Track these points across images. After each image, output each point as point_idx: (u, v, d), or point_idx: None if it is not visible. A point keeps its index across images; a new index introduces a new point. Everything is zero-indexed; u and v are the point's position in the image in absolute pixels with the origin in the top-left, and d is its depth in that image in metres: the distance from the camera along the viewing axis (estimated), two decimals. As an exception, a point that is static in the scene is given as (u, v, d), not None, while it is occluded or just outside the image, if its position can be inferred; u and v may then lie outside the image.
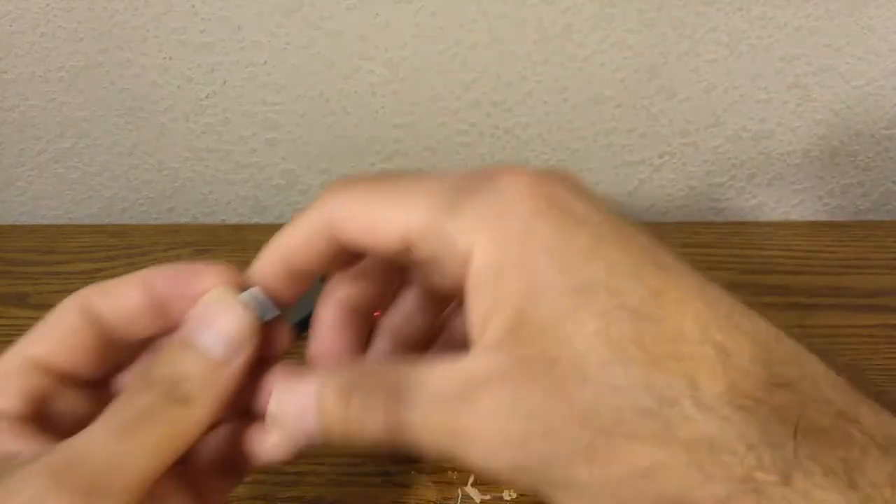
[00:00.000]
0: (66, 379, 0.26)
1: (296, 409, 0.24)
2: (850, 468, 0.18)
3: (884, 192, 0.65)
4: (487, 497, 0.41)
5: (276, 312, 0.26)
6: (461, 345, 0.24)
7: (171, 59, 0.58)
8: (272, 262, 0.26)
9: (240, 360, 0.24)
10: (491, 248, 0.22)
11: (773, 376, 0.19)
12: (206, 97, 0.60)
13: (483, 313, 0.22)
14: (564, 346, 0.20)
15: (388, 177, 0.25)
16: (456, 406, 0.21)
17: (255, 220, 0.67)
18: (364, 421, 0.23)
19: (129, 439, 0.22)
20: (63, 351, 0.25)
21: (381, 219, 0.24)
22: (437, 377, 0.22)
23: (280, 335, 0.27)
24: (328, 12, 0.56)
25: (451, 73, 0.58)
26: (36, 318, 0.55)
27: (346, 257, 0.26)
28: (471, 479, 0.42)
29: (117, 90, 0.60)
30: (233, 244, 0.58)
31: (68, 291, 0.56)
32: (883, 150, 0.63)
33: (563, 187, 0.23)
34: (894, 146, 0.63)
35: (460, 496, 0.41)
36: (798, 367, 0.20)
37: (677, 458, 0.19)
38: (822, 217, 0.66)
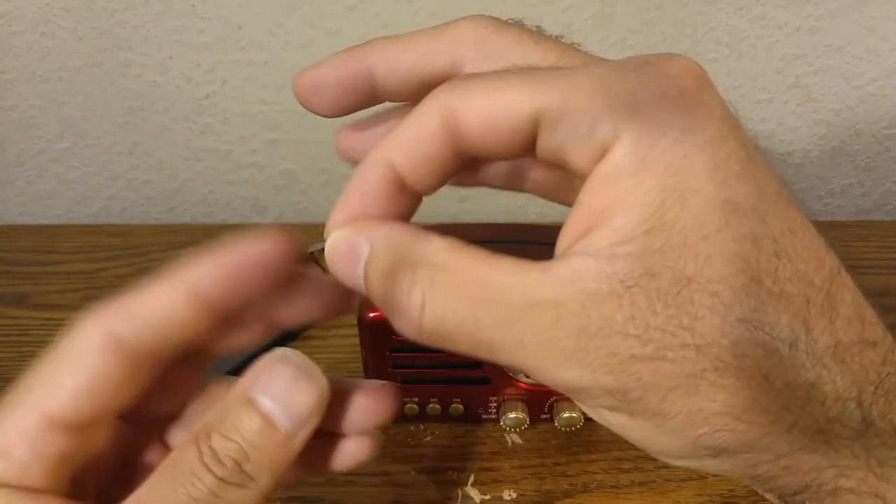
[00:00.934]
0: (94, 425, 0.22)
1: (347, 267, 0.22)
2: None
3: (884, 192, 0.65)
4: (487, 497, 0.41)
5: None
6: None
7: (170, 58, 0.58)
8: (405, 152, 0.22)
9: (308, 432, 0.22)
10: (638, 136, 0.19)
11: (865, 333, 0.20)
12: (206, 97, 0.60)
13: (610, 207, 0.19)
14: (704, 267, 0.18)
15: (510, 67, 0.22)
16: (549, 316, 0.19)
17: (256, 220, 0.67)
18: (427, 319, 0.20)
19: None
20: (86, 398, 0.21)
21: (511, 97, 0.20)
22: (517, 276, 0.19)
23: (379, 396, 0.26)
24: (328, 12, 0.56)
25: (452, 73, 0.58)
26: (35, 318, 0.55)
27: (460, 165, 0.23)
28: (471, 480, 0.41)
29: (117, 90, 0.60)
30: (233, 244, 0.58)
31: (68, 291, 0.56)
32: (883, 150, 0.63)
33: (717, 95, 0.21)
34: (895, 146, 0.63)
35: (460, 496, 0.41)
36: (881, 330, 0.21)
37: (775, 402, 0.19)
38: (823, 217, 0.66)
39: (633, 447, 0.45)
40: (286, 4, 0.55)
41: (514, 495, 0.41)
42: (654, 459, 0.42)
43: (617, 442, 0.43)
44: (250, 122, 0.61)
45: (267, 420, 0.21)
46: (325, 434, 0.25)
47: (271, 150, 0.63)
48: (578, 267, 0.19)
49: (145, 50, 0.58)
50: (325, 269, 0.24)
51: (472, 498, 0.41)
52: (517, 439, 0.44)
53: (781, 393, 0.19)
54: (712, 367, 0.19)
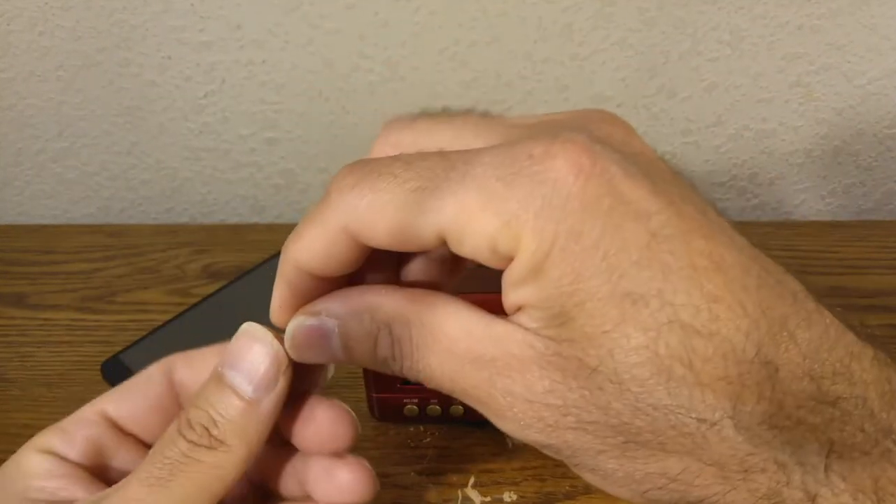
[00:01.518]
0: (133, 438, 0.28)
1: (319, 348, 0.24)
2: (882, 488, 0.19)
3: (886, 192, 0.65)
4: (488, 499, 0.41)
5: None
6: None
7: (169, 58, 0.58)
8: (295, 284, 0.24)
9: (273, 398, 0.24)
10: (535, 247, 0.19)
11: (820, 393, 0.19)
12: (205, 96, 0.60)
13: (520, 303, 0.21)
14: (606, 359, 0.19)
15: (404, 163, 0.21)
16: (488, 371, 0.21)
17: (254, 219, 0.67)
18: (374, 353, 0.23)
19: (160, 490, 0.23)
20: (140, 417, 0.27)
21: (410, 226, 0.21)
22: (466, 330, 0.21)
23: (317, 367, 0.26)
24: (327, 11, 0.56)
25: (451, 73, 0.58)
26: (33, 318, 0.55)
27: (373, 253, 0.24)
28: (471, 481, 0.41)
29: (116, 89, 0.60)
30: (232, 244, 0.58)
31: (66, 291, 0.56)
32: (885, 150, 0.62)
33: (614, 163, 0.20)
34: (896, 145, 0.62)
35: (460, 498, 0.41)
36: (848, 382, 0.19)
37: (707, 471, 0.19)
38: (825, 217, 0.66)
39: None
40: (285, 4, 0.55)
41: (515, 497, 0.41)
42: (655, 461, 0.42)
43: (618, 443, 0.43)
44: (249, 121, 0.61)
45: (230, 388, 0.24)
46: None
47: (270, 150, 0.63)
48: (510, 333, 0.21)
49: (144, 49, 0.58)
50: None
51: (472, 500, 0.40)
52: (518, 441, 0.44)
53: (716, 463, 0.19)
54: (633, 440, 0.19)
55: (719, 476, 0.19)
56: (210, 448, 0.23)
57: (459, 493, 0.41)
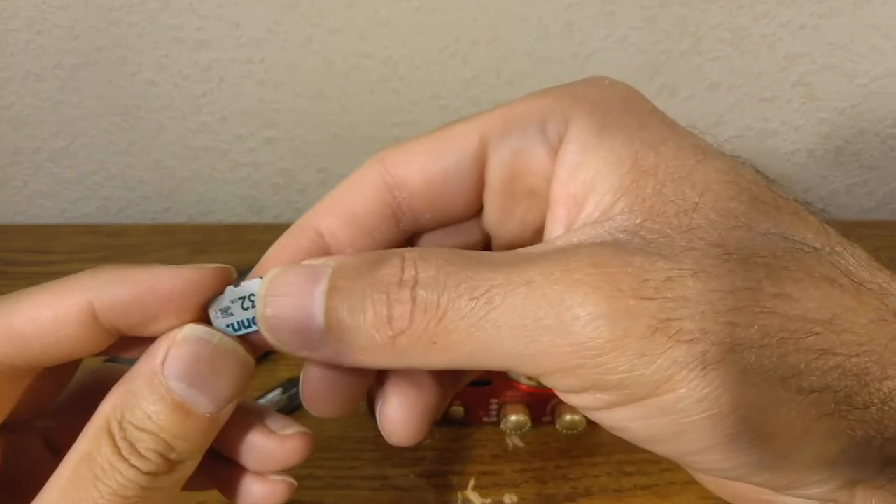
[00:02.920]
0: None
1: (294, 302, 0.18)
2: None
3: (888, 192, 0.65)
4: (488, 501, 0.40)
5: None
6: None
7: (167, 56, 0.58)
8: (336, 213, 0.21)
9: (233, 406, 0.20)
10: (589, 113, 0.19)
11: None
12: (203, 95, 0.60)
13: (587, 182, 0.18)
14: (705, 193, 0.17)
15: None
16: (561, 261, 0.17)
17: (253, 219, 0.66)
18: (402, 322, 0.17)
19: None
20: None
21: (450, 135, 0.20)
22: (523, 254, 0.18)
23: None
24: (327, 9, 0.55)
25: (452, 71, 0.58)
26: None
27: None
28: (471, 483, 0.41)
29: (113, 88, 0.59)
30: (230, 244, 0.57)
31: (63, 292, 0.55)
32: (888, 149, 0.62)
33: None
34: (899, 145, 0.62)
35: (460, 500, 0.40)
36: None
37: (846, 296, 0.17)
38: (826, 216, 0.66)
39: (636, 450, 0.45)
40: (285, 2, 0.55)
41: (516, 499, 0.40)
42: (658, 462, 0.42)
43: (619, 445, 0.43)
44: (248, 120, 0.61)
45: (184, 408, 0.19)
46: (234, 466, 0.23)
47: (269, 149, 0.62)
48: (573, 235, 0.18)
49: (142, 48, 0.57)
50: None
51: (472, 502, 0.40)
52: (518, 442, 0.43)
53: (854, 295, 0.17)
54: (767, 277, 0.17)
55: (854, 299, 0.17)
56: (168, 473, 0.19)
57: (459, 495, 0.40)
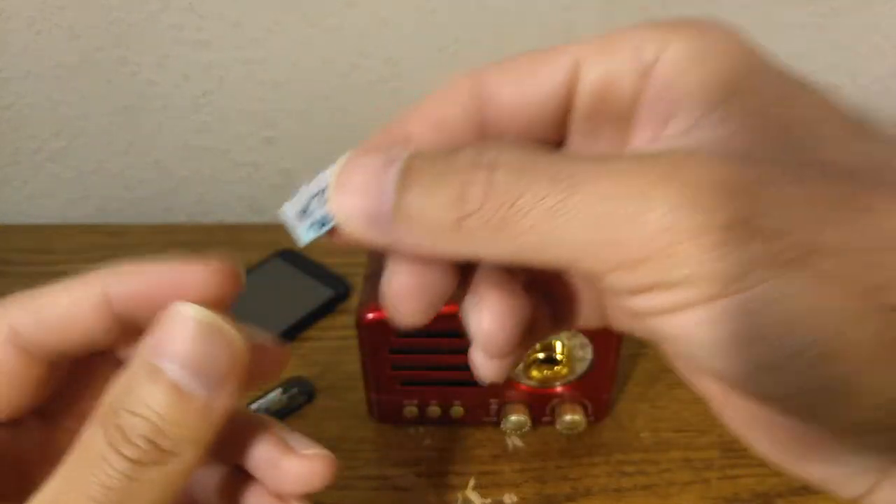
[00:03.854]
0: None
1: (367, 180, 0.18)
2: None
3: (888, 192, 0.65)
4: (488, 501, 0.40)
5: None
6: None
7: (167, 56, 0.58)
8: (426, 120, 0.20)
9: (231, 393, 0.19)
10: (688, 36, 0.18)
11: None
12: (203, 95, 0.60)
13: (682, 91, 0.18)
14: (816, 108, 0.17)
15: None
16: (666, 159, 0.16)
17: (253, 219, 0.66)
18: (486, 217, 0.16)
19: None
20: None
21: (545, 58, 0.19)
22: (625, 160, 0.17)
23: (275, 354, 0.23)
24: (327, 9, 0.55)
25: (451, 71, 0.58)
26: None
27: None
28: (471, 483, 0.41)
29: (113, 88, 0.59)
30: (229, 244, 0.57)
31: (63, 292, 0.55)
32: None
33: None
34: (899, 145, 0.62)
35: (460, 500, 0.40)
36: None
37: None
38: None
39: (635, 450, 0.45)
40: (285, 2, 0.55)
41: (516, 499, 0.40)
42: (657, 462, 0.42)
43: (619, 445, 0.43)
44: (248, 120, 0.61)
45: (177, 389, 0.18)
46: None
47: (269, 149, 0.62)
48: (655, 146, 0.17)
49: (142, 48, 0.57)
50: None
51: (472, 501, 0.40)
52: (518, 442, 0.43)
53: None
54: (863, 188, 0.15)
55: None
56: (160, 464, 0.18)
57: (459, 495, 0.40)
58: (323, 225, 0.19)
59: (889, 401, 0.16)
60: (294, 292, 0.52)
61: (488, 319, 0.20)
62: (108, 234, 0.60)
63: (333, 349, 0.49)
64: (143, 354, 0.19)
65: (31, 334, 0.20)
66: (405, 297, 0.20)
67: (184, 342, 0.19)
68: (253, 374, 0.21)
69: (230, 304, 0.21)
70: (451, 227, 0.17)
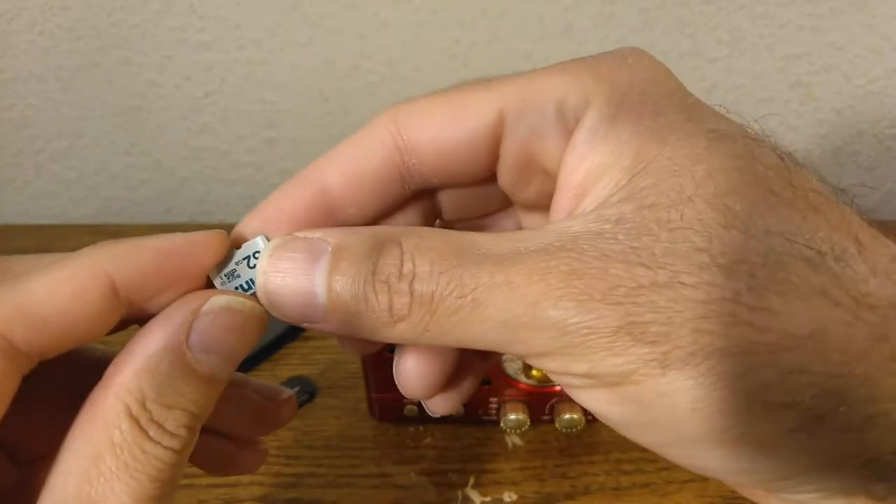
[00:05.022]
0: None
1: (295, 280, 0.19)
2: None
3: (887, 192, 0.65)
4: (488, 499, 0.40)
5: None
6: None
7: (169, 57, 0.58)
8: (342, 170, 0.21)
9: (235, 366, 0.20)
10: (608, 97, 0.18)
11: None
12: (205, 96, 0.60)
13: (591, 174, 0.18)
14: (704, 183, 0.17)
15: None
16: (542, 261, 0.17)
17: (254, 219, 0.67)
18: (398, 294, 0.18)
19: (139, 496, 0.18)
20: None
21: (467, 105, 0.19)
22: (516, 239, 0.18)
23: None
24: (328, 10, 0.55)
25: (452, 72, 0.58)
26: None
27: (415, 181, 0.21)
28: (471, 481, 0.41)
29: (115, 89, 0.60)
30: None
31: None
32: (886, 150, 0.62)
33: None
34: (897, 146, 0.62)
35: (460, 498, 0.40)
36: None
37: (851, 326, 0.16)
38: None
39: (634, 448, 0.45)
40: (285, 3, 0.55)
41: (515, 497, 0.41)
42: (656, 461, 0.42)
43: (618, 444, 0.43)
44: (249, 121, 0.61)
45: (214, 378, 0.19)
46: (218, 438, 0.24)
47: (270, 150, 0.63)
48: (564, 225, 0.18)
49: (144, 49, 0.58)
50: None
51: (472, 500, 0.40)
52: (518, 441, 0.44)
53: (850, 310, 0.16)
54: (748, 287, 0.16)
55: (870, 336, 0.16)
56: (190, 444, 0.19)
57: (459, 493, 0.41)
58: (249, 289, 0.20)
59: (798, 470, 0.17)
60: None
61: (405, 366, 0.22)
62: (110, 235, 0.59)
63: (334, 348, 0.49)
64: (169, 348, 0.18)
65: (20, 338, 0.17)
66: (412, 384, 0.22)
67: (223, 332, 0.19)
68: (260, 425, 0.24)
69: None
70: (385, 328, 0.18)
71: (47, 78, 0.59)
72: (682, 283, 0.16)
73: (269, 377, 0.47)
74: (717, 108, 0.19)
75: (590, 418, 0.43)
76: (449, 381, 0.23)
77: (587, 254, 0.17)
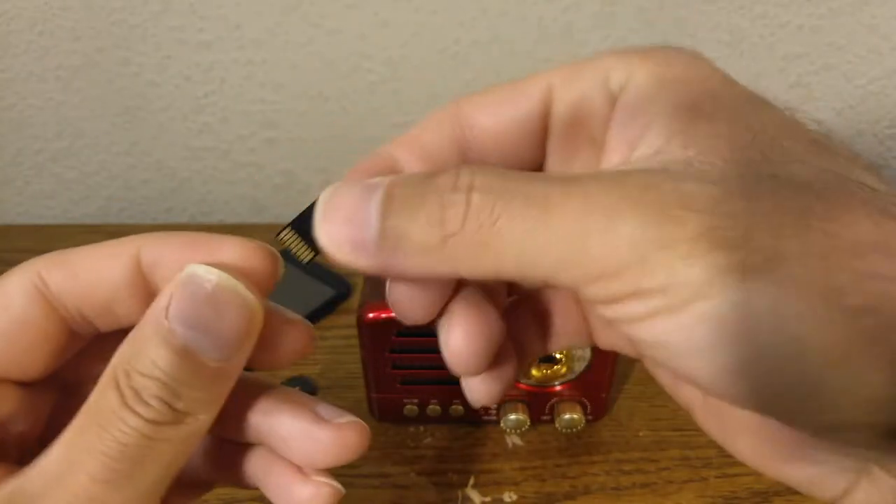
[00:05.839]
0: (12, 375, 0.21)
1: (350, 210, 0.18)
2: None
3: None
4: (488, 499, 0.40)
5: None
6: None
7: (169, 57, 0.58)
8: (410, 146, 0.21)
9: (243, 356, 0.20)
10: (652, 66, 0.19)
11: None
12: (205, 96, 0.60)
13: (643, 125, 0.18)
14: (769, 122, 0.18)
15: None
16: (616, 179, 0.17)
17: (254, 220, 0.67)
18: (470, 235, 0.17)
19: (125, 485, 0.18)
20: (6, 352, 0.20)
21: (522, 88, 0.20)
22: (582, 176, 0.18)
23: (301, 330, 0.22)
24: (327, 10, 0.55)
25: (451, 72, 0.58)
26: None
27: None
28: (471, 481, 0.41)
29: (115, 89, 0.60)
30: (231, 244, 0.58)
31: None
32: (886, 150, 0.62)
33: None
34: (897, 145, 0.62)
35: (460, 498, 0.40)
36: None
37: None
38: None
39: (634, 448, 0.45)
40: (285, 3, 0.55)
41: (515, 497, 0.41)
42: (656, 461, 0.42)
43: (618, 444, 0.43)
44: (249, 121, 0.61)
45: (190, 353, 0.18)
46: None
47: (270, 150, 0.63)
48: (624, 168, 0.18)
49: (144, 49, 0.58)
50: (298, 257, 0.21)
51: (472, 500, 0.40)
52: (518, 441, 0.44)
53: None
54: (819, 200, 0.16)
55: None
56: (175, 424, 0.18)
57: (459, 493, 0.41)
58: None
59: (861, 400, 0.16)
60: (295, 292, 0.52)
61: (455, 338, 0.21)
62: (110, 234, 0.59)
63: (334, 348, 0.49)
64: (153, 315, 0.19)
65: (60, 288, 0.20)
66: (406, 305, 0.21)
67: (194, 303, 0.19)
68: (278, 349, 0.22)
69: (268, 287, 0.21)
70: (433, 249, 0.17)
71: (47, 78, 0.59)
72: (763, 193, 0.16)
73: (269, 376, 0.47)
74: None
75: (590, 418, 0.43)
76: (495, 361, 0.21)
77: (658, 176, 0.17)
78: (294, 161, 0.63)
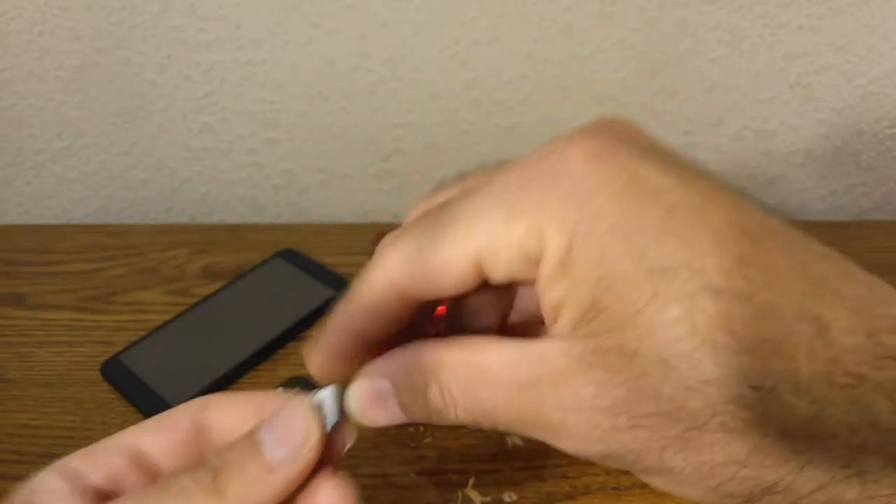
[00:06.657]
0: (158, 472, 0.25)
1: (382, 410, 0.25)
2: None
3: (886, 192, 0.65)
4: (488, 499, 0.40)
5: (338, 417, 0.26)
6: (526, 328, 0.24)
7: (169, 57, 0.58)
8: (342, 340, 0.25)
9: (293, 472, 0.23)
10: (559, 239, 0.20)
11: (878, 347, 0.18)
12: (205, 96, 0.60)
13: (555, 305, 0.20)
14: (645, 339, 0.18)
15: (433, 213, 0.23)
16: (535, 392, 0.21)
17: (254, 219, 0.67)
18: (428, 406, 0.23)
19: None
20: (168, 452, 0.25)
21: (445, 261, 0.22)
22: (506, 359, 0.21)
23: (341, 437, 0.27)
24: (327, 10, 0.55)
25: (451, 72, 0.58)
26: (33, 319, 0.55)
27: (419, 306, 0.25)
28: (471, 482, 0.41)
29: (115, 89, 0.60)
30: (231, 244, 0.58)
31: (66, 292, 0.55)
32: (885, 150, 0.62)
33: (625, 147, 0.21)
34: (897, 146, 0.62)
35: (460, 498, 0.40)
36: None
37: (776, 447, 0.18)
38: (825, 217, 0.66)
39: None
40: (285, 3, 0.55)
41: (515, 497, 0.41)
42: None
43: (618, 443, 0.43)
44: (249, 121, 0.61)
45: (256, 443, 0.23)
46: None
47: (270, 150, 0.63)
48: (547, 349, 0.21)
49: (144, 49, 0.58)
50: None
51: (472, 500, 0.40)
52: (518, 441, 0.44)
53: (782, 434, 0.18)
54: (692, 426, 0.19)
55: (789, 451, 0.18)
56: (206, 494, 0.21)
57: (459, 493, 0.41)
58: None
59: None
60: (295, 292, 0.52)
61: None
62: (110, 234, 0.60)
63: (334, 348, 0.49)
64: (264, 441, 0.23)
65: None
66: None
67: (282, 417, 0.24)
68: None
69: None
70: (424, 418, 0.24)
71: (47, 78, 0.59)
72: (640, 427, 0.20)
73: (269, 377, 0.47)
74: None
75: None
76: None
77: (567, 397, 0.20)
78: (294, 161, 0.63)
